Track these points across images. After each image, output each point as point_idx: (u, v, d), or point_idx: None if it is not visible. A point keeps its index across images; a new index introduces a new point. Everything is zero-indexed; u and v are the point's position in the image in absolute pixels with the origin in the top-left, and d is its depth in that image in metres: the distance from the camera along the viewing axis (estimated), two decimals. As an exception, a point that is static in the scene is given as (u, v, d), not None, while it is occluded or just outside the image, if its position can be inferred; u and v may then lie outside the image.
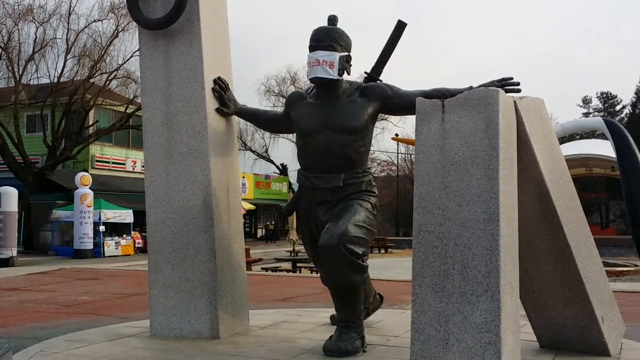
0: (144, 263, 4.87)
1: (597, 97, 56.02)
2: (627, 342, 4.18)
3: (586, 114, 53.00)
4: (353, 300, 3.84)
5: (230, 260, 4.52)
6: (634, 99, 52.87)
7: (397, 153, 46.37)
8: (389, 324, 4.82)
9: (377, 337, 4.31)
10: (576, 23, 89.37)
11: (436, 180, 3.01)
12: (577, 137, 39.77)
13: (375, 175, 48.87)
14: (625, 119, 50.83)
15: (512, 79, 3.63)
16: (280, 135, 40.12)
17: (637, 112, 51.88)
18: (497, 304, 2.78)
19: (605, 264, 16.75)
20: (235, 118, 4.70)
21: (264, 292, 8.32)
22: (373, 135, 4.16)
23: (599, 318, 3.63)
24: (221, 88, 4.47)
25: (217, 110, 4.47)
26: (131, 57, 23.98)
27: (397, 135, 36.91)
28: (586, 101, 56.26)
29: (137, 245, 22.01)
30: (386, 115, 40.08)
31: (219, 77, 4.49)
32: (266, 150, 48.22)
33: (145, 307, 4.59)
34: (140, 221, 21.23)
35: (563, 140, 37.97)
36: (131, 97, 25.15)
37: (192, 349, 3.99)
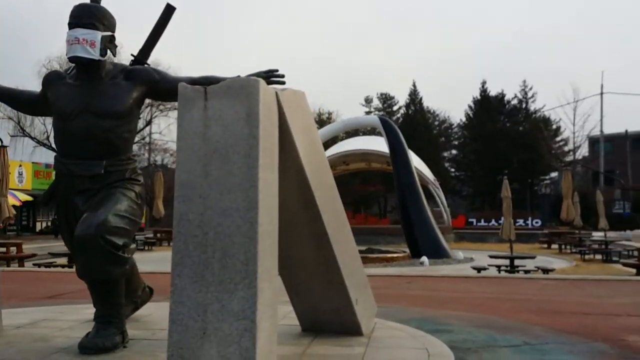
0: None
1: (378, 97, 60.63)
2: (381, 322, 4.53)
3: (368, 112, 57.06)
4: (112, 294, 3.65)
5: (-24, 255, 4.05)
6: (407, 101, 58.17)
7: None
8: (158, 317, 4.68)
9: (143, 331, 4.16)
10: (362, 27, 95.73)
11: (198, 168, 2.97)
12: (361, 133, 42.55)
13: (169, 167, 47.69)
14: (401, 119, 55.72)
15: (277, 70, 3.71)
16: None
17: (410, 112, 57.14)
18: (254, 291, 2.82)
19: (379, 251, 18.14)
20: (-15, 98, 4.20)
21: (31, 290, 7.69)
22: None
23: (354, 300, 3.87)
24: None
25: (-38, 88, 3.96)
26: None
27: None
28: (368, 101, 60.54)
29: None
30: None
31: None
32: (47, 137, 44.51)
33: None
34: None
35: (348, 135, 40.45)
36: None
37: None
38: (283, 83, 3.65)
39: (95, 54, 3.65)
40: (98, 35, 3.66)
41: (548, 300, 6.84)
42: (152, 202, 25.65)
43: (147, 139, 48.57)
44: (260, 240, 2.87)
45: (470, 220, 39.94)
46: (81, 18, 3.65)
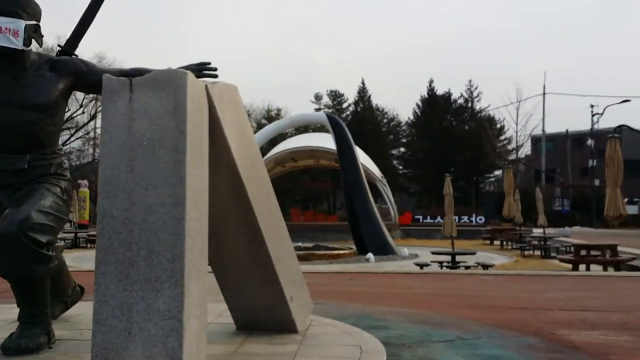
0: None
1: (328, 94, 60.83)
2: (317, 319, 4.50)
3: (317, 109, 57.21)
4: (37, 293, 3.51)
5: None
6: (357, 98, 58.59)
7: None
8: (89, 317, 4.47)
9: (71, 331, 4.03)
10: (312, 24, 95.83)
11: (122, 163, 2.88)
12: (311, 130, 42.57)
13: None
14: (350, 116, 56.11)
15: (210, 63, 3.64)
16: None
17: (359, 110, 57.58)
18: (180, 290, 2.75)
19: (326, 248, 18.20)
20: None
21: (-40, 290, 7.36)
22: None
23: (288, 298, 3.84)
24: None
25: None
26: None
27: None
28: (318, 98, 60.71)
29: None
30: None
31: None
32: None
33: None
34: None
35: (298, 131, 40.37)
36: None
37: None
38: (215, 77, 3.58)
39: (18, 44, 3.49)
40: (21, 24, 3.50)
41: (485, 295, 6.97)
42: (97, 198, 25.06)
43: (91, 134, 47.43)
44: (188, 237, 2.80)
45: (416, 217, 40.50)
46: (3, 6, 3.48)
